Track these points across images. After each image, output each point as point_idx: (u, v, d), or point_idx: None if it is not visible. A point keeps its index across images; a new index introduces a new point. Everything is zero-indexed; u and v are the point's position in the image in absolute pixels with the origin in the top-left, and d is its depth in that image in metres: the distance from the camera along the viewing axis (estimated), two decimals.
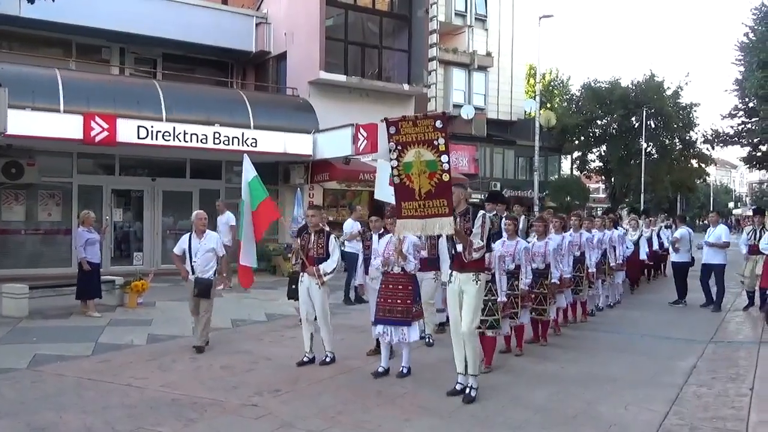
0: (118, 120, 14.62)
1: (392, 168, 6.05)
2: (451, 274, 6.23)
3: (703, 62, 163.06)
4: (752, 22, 32.96)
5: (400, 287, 6.86)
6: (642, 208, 28.74)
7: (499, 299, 7.06)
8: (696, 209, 64.90)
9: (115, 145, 14.81)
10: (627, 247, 13.03)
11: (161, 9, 18.71)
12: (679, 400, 6.21)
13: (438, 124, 5.80)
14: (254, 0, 21.98)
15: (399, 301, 6.81)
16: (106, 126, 14.39)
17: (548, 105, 39.82)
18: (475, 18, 31.55)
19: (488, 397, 6.25)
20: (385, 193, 8.85)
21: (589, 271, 10.49)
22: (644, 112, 35.22)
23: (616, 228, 12.57)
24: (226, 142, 15.97)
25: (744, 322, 10.96)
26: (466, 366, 6.11)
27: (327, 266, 7.29)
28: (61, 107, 14.43)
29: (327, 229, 7.69)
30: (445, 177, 5.80)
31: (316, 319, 7.47)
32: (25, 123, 13.25)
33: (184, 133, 15.40)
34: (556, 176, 36.00)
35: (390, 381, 6.71)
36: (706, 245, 12.20)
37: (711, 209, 31.91)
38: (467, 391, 6.11)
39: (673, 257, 13.13)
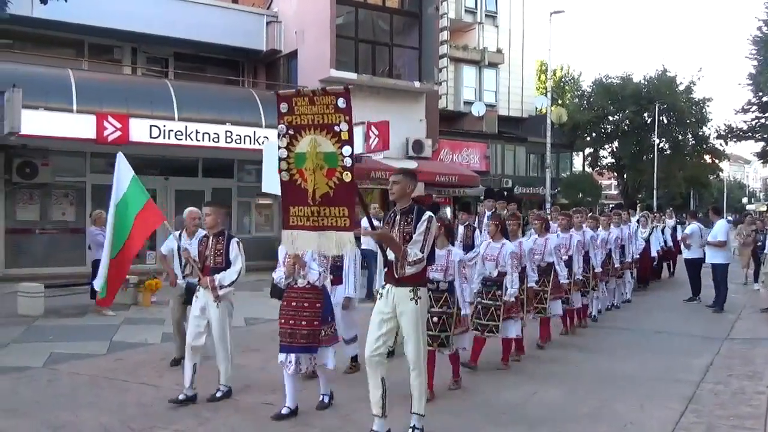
0: (131, 119, 14.70)
1: (280, 160, 4.67)
2: (383, 286, 5.01)
3: (716, 56, 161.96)
4: (765, 15, 32.68)
5: (306, 305, 5.50)
6: (655, 204, 28.60)
7: (462, 312, 6.11)
8: (709, 205, 64.41)
9: (128, 145, 14.85)
10: (638, 244, 12.89)
11: (172, 9, 18.77)
12: (695, 398, 6.16)
13: (340, 103, 4.44)
14: None
15: (304, 322, 5.46)
16: (118, 126, 14.47)
17: (559, 101, 39.66)
18: (486, 15, 31.44)
19: (502, 394, 6.24)
20: (271, 183, 6.39)
21: (595, 271, 9.82)
22: (656, 107, 35.01)
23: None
24: (238, 141, 16.01)
25: (760, 320, 10.86)
26: (384, 406, 4.85)
27: (225, 278, 5.95)
28: (74, 107, 14.51)
29: (229, 231, 6.34)
30: (347, 176, 4.46)
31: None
32: (38, 123, 13.35)
33: (196, 132, 15.46)
34: (568, 173, 35.86)
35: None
36: (705, 244, 11.98)
37: (725, 205, 31.73)
38: None
39: (685, 254, 12.92)
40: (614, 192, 49.35)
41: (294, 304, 5.55)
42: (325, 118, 4.49)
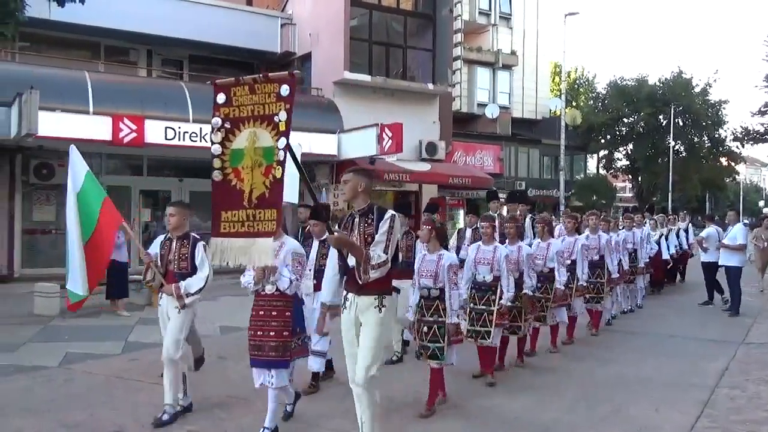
0: (146, 121, 14.80)
1: (213, 157, 4.11)
2: (345, 297, 4.54)
3: (732, 58, 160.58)
4: None
5: (274, 314, 5.02)
6: (670, 207, 28.41)
7: (449, 321, 5.67)
8: (725, 208, 63.97)
9: (143, 146, 14.99)
10: (651, 248, 12.72)
11: (187, 11, 18.88)
12: (710, 402, 6.11)
13: (283, 90, 3.94)
14: (279, 1, 22.08)
15: (272, 333, 4.97)
16: (134, 127, 14.57)
17: (574, 103, 39.51)
18: (500, 16, 31.42)
19: (515, 397, 6.22)
20: (289, 191, 5.93)
21: (612, 276, 9.49)
22: (672, 109, 34.79)
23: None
24: None
25: None
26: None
27: (191, 285, 5.40)
28: (91, 109, 14.63)
29: (195, 234, 5.69)
30: (278, 172, 3.90)
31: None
32: (55, 125, 13.47)
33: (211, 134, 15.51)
34: (582, 175, 35.72)
35: (404, 389, 6.50)
36: (721, 246, 11.72)
37: (741, 208, 31.45)
38: None
39: (702, 257, 12.66)
40: (629, 195, 49.04)
41: (262, 313, 5.07)
42: (266, 108, 3.99)
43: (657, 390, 6.52)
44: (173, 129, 15.12)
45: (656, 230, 13.91)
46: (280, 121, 3.92)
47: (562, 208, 25.15)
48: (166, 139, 15.06)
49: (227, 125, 4.09)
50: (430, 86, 20.32)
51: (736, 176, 47.25)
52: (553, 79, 39.53)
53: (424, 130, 20.20)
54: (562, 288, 7.93)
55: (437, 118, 21.08)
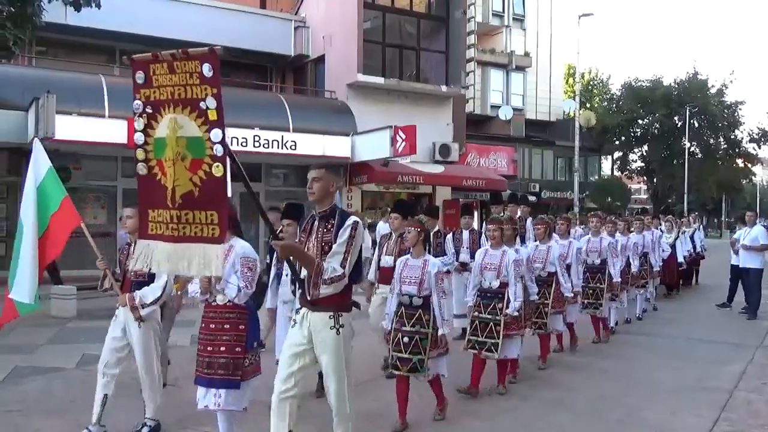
0: None
1: (136, 147, 3.58)
2: (298, 309, 4.06)
3: (749, 59, 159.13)
4: None
5: (226, 327, 4.49)
6: (686, 209, 28.21)
7: (441, 331, 5.25)
8: (742, 210, 63.41)
9: None
10: (663, 250, 12.49)
11: (201, 14, 18.98)
12: (728, 406, 6.06)
13: (206, 70, 3.30)
14: (292, 4, 22.16)
15: (223, 348, 4.45)
16: None
17: (588, 105, 39.35)
18: (513, 18, 31.36)
19: (530, 400, 6.20)
20: None
21: (614, 281, 9.04)
22: (687, 111, 34.57)
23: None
24: (266, 145, 16.13)
25: None
26: None
27: (147, 294, 4.95)
28: (106, 112, 14.75)
29: None
30: (217, 169, 3.39)
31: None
32: (71, 128, 13.59)
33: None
34: (597, 177, 35.55)
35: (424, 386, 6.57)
36: (742, 248, 11.49)
37: (758, 210, 31.14)
38: None
39: (732, 259, 12.07)
40: (644, 196, 48.77)
41: (213, 326, 4.52)
42: (189, 92, 3.37)
43: (673, 393, 6.47)
44: None
45: (671, 232, 13.78)
46: (208, 108, 3.32)
47: (576, 210, 25.02)
48: None
49: (149, 109, 3.49)
50: (444, 88, 20.31)
51: (753, 178, 46.89)
52: (567, 80, 39.40)
53: (437, 132, 20.19)
54: (569, 295, 7.60)
55: (451, 120, 21.07)
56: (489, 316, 6.19)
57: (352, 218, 3.95)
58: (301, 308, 4.02)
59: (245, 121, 16.33)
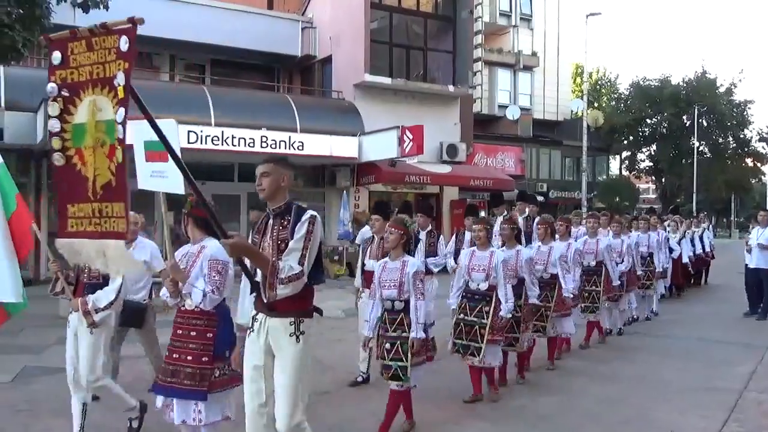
0: None
1: (50, 135, 3.17)
2: (254, 317, 3.71)
3: (758, 58, 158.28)
4: None
5: (193, 334, 4.15)
6: (695, 209, 28.10)
7: (415, 335, 4.92)
8: (751, 210, 63.18)
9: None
10: (672, 250, 12.33)
11: (209, 15, 19.05)
12: (738, 406, 6.02)
13: (123, 43, 2.98)
14: (299, 5, 22.20)
15: (190, 357, 4.10)
16: None
17: (596, 104, 39.25)
18: (520, 18, 31.28)
19: (537, 400, 6.18)
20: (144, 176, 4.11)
21: (612, 284, 8.71)
22: (696, 110, 34.42)
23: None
24: (273, 146, 16.15)
25: None
26: None
27: (100, 299, 4.67)
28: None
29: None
30: (120, 155, 3.01)
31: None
32: None
33: (232, 137, 15.66)
34: (605, 177, 35.44)
35: (436, 384, 6.51)
36: (758, 247, 11.24)
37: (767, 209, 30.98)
38: None
39: (747, 260, 11.74)
40: (652, 196, 48.60)
41: (180, 332, 4.20)
42: (106, 69, 3.02)
43: (682, 394, 6.44)
44: (195, 132, 15.26)
45: (677, 232, 13.64)
46: (118, 85, 2.95)
47: (584, 209, 24.96)
48: (188, 142, 15.20)
49: (65, 93, 3.13)
50: (451, 88, 20.30)
51: (762, 177, 46.64)
52: (575, 80, 39.31)
53: (444, 132, 20.18)
54: (569, 296, 7.36)
55: (458, 120, 21.06)
56: (475, 319, 5.91)
57: (309, 212, 3.62)
58: (257, 314, 3.67)
59: (252, 121, 16.39)
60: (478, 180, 20.36)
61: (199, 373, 4.05)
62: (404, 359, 4.96)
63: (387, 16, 19.80)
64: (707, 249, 15.64)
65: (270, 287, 3.45)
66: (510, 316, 5.99)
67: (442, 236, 8.27)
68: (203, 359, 4.08)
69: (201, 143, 15.32)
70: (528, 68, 30.79)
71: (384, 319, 5.15)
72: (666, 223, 13.34)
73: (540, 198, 28.49)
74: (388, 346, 5.03)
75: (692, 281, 15.45)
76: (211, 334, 4.13)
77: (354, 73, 18.90)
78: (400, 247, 5.14)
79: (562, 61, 33.34)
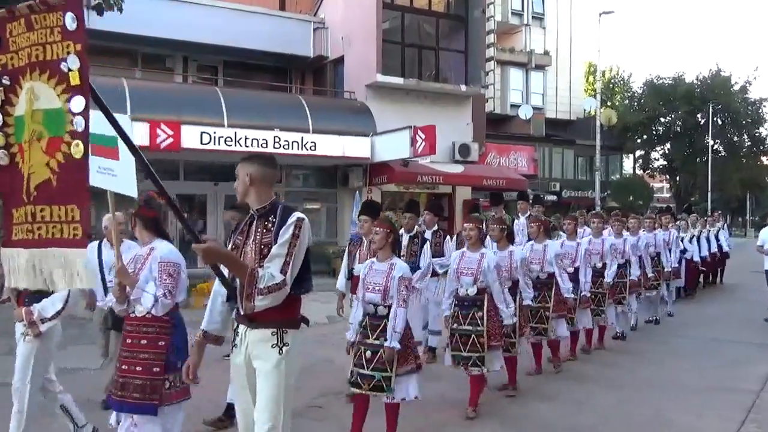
0: (182, 126, 15.02)
1: None
2: (236, 330, 3.40)
3: None
4: None
5: (144, 342, 3.83)
6: (709, 208, 27.90)
7: (389, 344, 4.57)
8: (767, 208, 62.63)
9: (180, 151, 15.22)
10: (685, 250, 12.05)
11: (221, 17, 19.11)
12: (755, 407, 5.98)
13: (69, 21, 2.58)
14: (311, 5, 22.23)
15: (139, 368, 3.77)
16: (170, 132, 14.80)
17: (609, 103, 39.07)
18: (533, 17, 31.22)
19: (552, 401, 6.16)
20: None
21: (605, 282, 8.26)
22: (710, 108, 34.18)
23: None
24: (286, 147, 16.19)
25: None
26: None
27: (46, 308, 4.42)
28: (129, 115, 14.89)
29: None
30: (77, 150, 2.59)
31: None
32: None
33: (245, 138, 15.71)
34: (618, 176, 35.27)
35: (439, 390, 6.52)
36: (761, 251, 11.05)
37: None
38: None
39: (766, 264, 11.34)
40: (666, 195, 48.27)
41: (129, 341, 3.86)
42: (48, 51, 2.63)
43: (698, 395, 6.40)
44: (209, 134, 15.32)
45: (687, 231, 13.34)
46: (69, 70, 2.57)
47: (597, 209, 24.84)
48: (201, 143, 15.28)
49: (6, 81, 2.76)
50: (463, 88, 20.25)
51: None
52: (587, 78, 39.14)
53: (457, 132, 20.14)
54: (570, 297, 7.05)
55: (470, 119, 21.00)
56: (469, 328, 5.54)
57: (296, 214, 3.28)
58: (238, 327, 3.36)
59: (265, 122, 16.43)
60: (491, 180, 20.29)
61: (149, 385, 3.73)
62: (388, 369, 4.59)
63: (399, 16, 19.79)
64: (724, 248, 15.48)
65: (247, 298, 3.14)
66: (513, 321, 5.75)
67: (449, 237, 8.14)
68: (154, 369, 3.76)
69: (214, 144, 15.38)
70: (540, 67, 30.72)
71: (366, 324, 4.80)
72: (677, 223, 12.91)
73: (553, 197, 28.49)
74: (369, 354, 4.66)
75: (709, 280, 15.31)
76: (164, 342, 3.82)
77: (366, 73, 18.90)
78: (388, 247, 4.80)
79: (574, 60, 33.23)
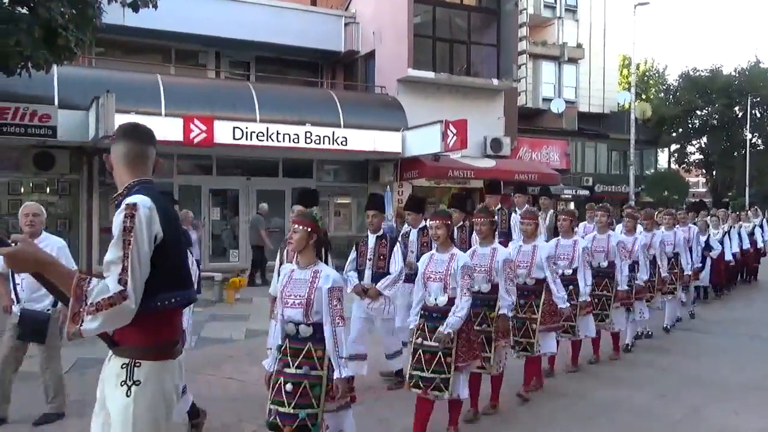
0: (215, 122, 15.17)
1: None
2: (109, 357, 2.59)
3: None
4: None
5: None
6: (747, 203, 27.31)
7: (338, 374, 3.78)
8: None
9: (212, 146, 15.37)
10: (713, 248, 11.55)
11: (254, 13, 19.25)
12: None
13: None
14: (342, 0, 22.27)
15: None
16: (204, 128, 14.96)
17: (643, 96, 38.44)
18: (565, 9, 30.82)
19: (587, 398, 6.11)
20: None
21: (618, 289, 7.34)
22: (749, 100, 33.42)
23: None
24: (317, 142, 16.26)
25: None
26: None
27: None
28: (163, 111, 15.12)
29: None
30: None
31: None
32: None
33: (277, 133, 15.80)
34: (653, 170, 34.72)
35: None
36: None
37: None
38: None
39: None
40: (702, 190, 47.40)
41: None
42: None
43: (736, 392, 6.29)
44: (241, 129, 15.45)
45: (719, 228, 12.85)
46: None
47: (632, 204, 24.50)
48: (234, 138, 15.41)
49: None
50: (495, 82, 20.12)
51: None
52: (621, 71, 38.54)
53: (488, 126, 20.02)
54: (565, 306, 6.03)
55: (502, 113, 20.85)
56: (435, 344, 4.58)
57: (129, 199, 2.47)
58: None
59: (297, 117, 16.52)
60: (523, 174, 20.10)
61: None
62: (314, 405, 3.73)
63: (430, 10, 19.71)
64: (759, 245, 15.11)
65: (73, 319, 2.26)
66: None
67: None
68: None
69: (246, 139, 15.51)
70: (573, 60, 30.32)
71: (284, 348, 3.86)
72: (708, 219, 12.39)
73: (585, 192, 28.15)
74: (289, 387, 3.74)
75: (740, 278, 14.95)
76: None
77: (397, 67, 18.87)
78: (310, 249, 3.88)
79: (608, 53, 32.71)
